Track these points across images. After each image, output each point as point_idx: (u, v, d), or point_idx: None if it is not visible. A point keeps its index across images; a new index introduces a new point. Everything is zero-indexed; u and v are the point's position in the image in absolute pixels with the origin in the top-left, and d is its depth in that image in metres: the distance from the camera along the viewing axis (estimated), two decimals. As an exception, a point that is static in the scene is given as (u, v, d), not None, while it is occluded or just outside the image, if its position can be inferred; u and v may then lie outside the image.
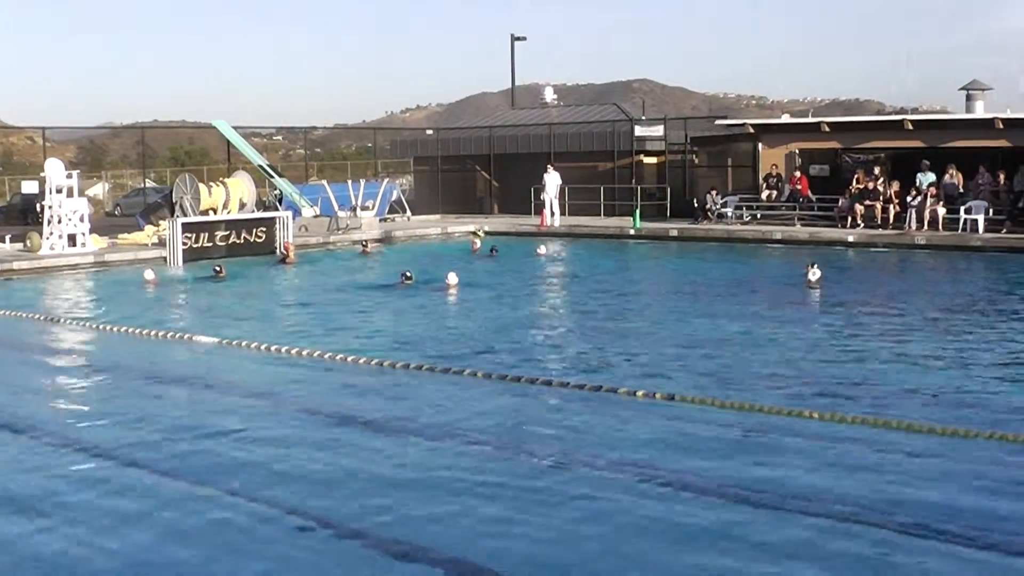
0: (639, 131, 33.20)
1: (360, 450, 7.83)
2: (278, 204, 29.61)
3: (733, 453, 7.55)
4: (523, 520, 6.22)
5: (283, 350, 11.71)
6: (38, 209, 25.51)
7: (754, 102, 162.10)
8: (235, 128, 31.51)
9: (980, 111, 27.50)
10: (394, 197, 32.74)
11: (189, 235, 22.72)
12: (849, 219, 25.80)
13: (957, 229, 23.96)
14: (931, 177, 25.32)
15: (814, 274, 17.12)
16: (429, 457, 7.61)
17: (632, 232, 27.63)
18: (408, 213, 33.26)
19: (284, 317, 15.20)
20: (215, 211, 25.95)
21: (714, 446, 7.75)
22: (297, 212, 28.11)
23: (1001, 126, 25.46)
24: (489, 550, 5.82)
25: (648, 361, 11.13)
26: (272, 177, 30.66)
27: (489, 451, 7.74)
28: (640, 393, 9.14)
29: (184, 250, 22.43)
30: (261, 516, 6.40)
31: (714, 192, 28.92)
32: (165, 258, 22.38)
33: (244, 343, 12.19)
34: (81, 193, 25.16)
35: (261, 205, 29.36)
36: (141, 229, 25.91)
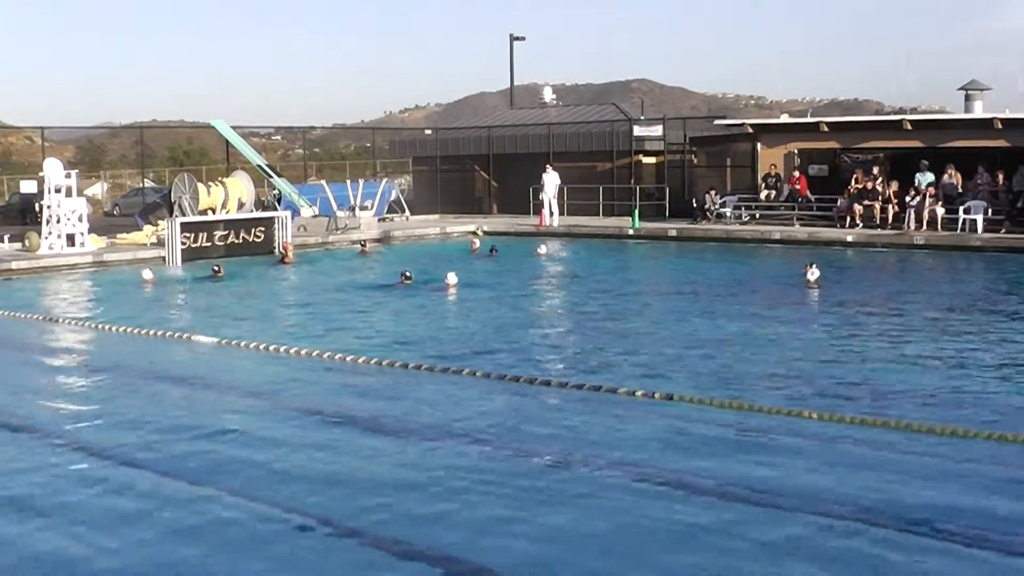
0: (638, 131, 33.20)
1: (359, 450, 7.83)
2: (277, 204, 29.60)
3: (732, 453, 7.55)
4: (522, 520, 6.22)
5: (282, 350, 11.71)
6: (37, 209, 25.50)
7: (753, 102, 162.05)
8: (234, 128, 31.52)
9: (979, 111, 27.51)
10: (393, 197, 32.74)
11: (188, 235, 22.72)
12: (848, 219, 25.81)
13: (956, 229, 23.97)
14: (930, 177, 25.33)
15: (813, 274, 17.13)
16: (428, 457, 7.61)
17: (631, 232, 27.63)
18: (407, 213, 33.26)
19: (283, 317, 15.20)
20: (214, 211, 25.92)
21: (713, 446, 7.75)
22: (296, 212, 28.11)
23: (1000, 126, 25.47)
24: (488, 550, 5.82)
25: (647, 361, 11.13)
26: (271, 177, 30.65)
27: (489, 451, 7.74)
28: (639, 393, 9.14)
29: (183, 250, 22.43)
30: (260, 515, 6.40)
31: (713, 192, 28.92)
32: (164, 258, 22.38)
33: (243, 343, 12.19)
34: (80, 193, 25.18)
35: (260, 205, 29.32)
36: (140, 229, 25.90)
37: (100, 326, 14.18)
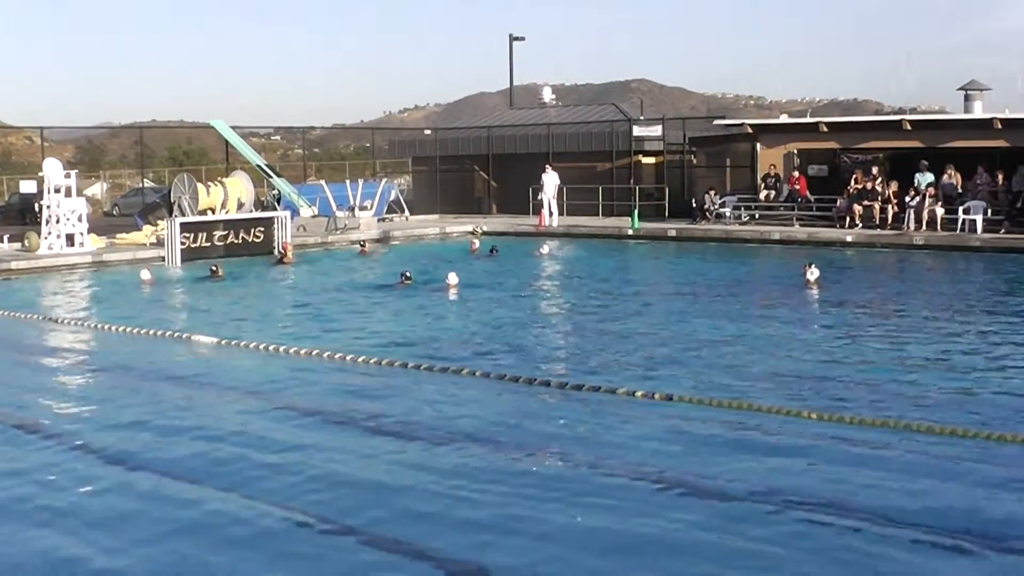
0: (637, 131, 33.21)
1: (359, 449, 7.82)
2: (276, 204, 29.61)
3: (732, 453, 7.55)
4: (522, 520, 6.22)
5: (282, 350, 11.71)
6: (36, 209, 25.51)
7: (752, 102, 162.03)
8: (233, 128, 31.52)
9: (979, 111, 27.52)
10: (392, 197, 32.74)
11: (187, 235, 22.72)
12: (847, 219, 25.81)
13: (955, 229, 23.97)
14: (929, 177, 25.33)
15: (812, 274, 17.13)
16: (428, 457, 7.61)
17: (630, 232, 27.63)
18: (406, 213, 33.26)
19: (282, 317, 15.19)
20: (213, 211, 25.94)
21: (713, 446, 7.75)
22: (295, 212, 28.11)
23: (1000, 126, 25.47)
24: (489, 550, 5.82)
25: (647, 361, 11.13)
26: (270, 177, 30.66)
27: (489, 450, 7.74)
28: (639, 393, 9.14)
29: (182, 250, 22.43)
30: (260, 515, 6.40)
31: (712, 192, 28.93)
32: (163, 258, 22.38)
33: (243, 343, 12.20)
34: (79, 193, 25.19)
35: (259, 205, 29.33)
36: (139, 229, 25.91)
37: (99, 326, 14.18)
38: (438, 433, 8.19)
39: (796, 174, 28.14)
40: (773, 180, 28.57)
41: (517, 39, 42.43)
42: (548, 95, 42.18)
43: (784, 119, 33.32)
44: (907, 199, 25.02)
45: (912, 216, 24.66)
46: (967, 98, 28.44)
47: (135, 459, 7.62)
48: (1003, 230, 23.46)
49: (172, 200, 26.03)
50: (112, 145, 65.01)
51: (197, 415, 8.96)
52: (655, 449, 7.66)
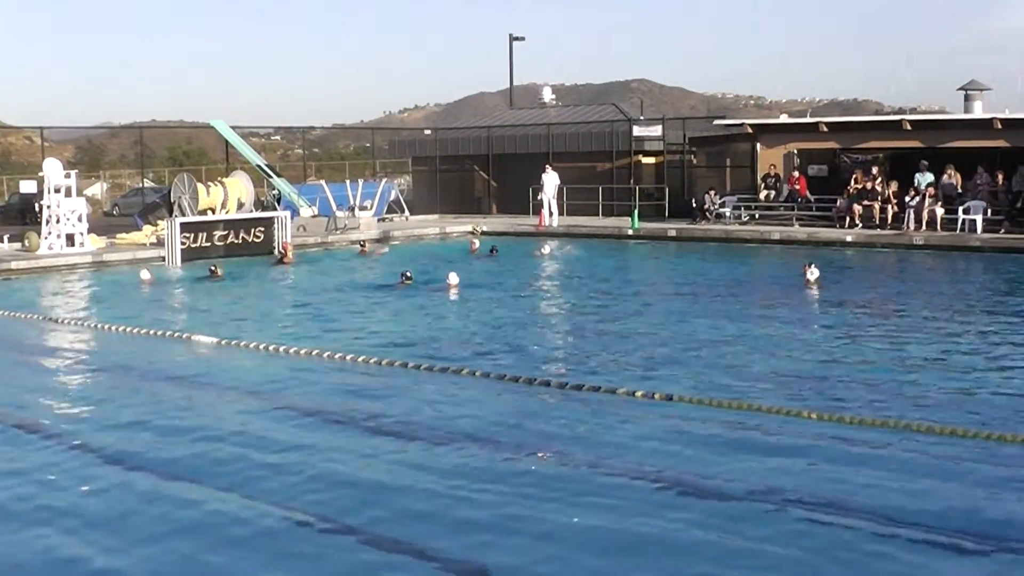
0: (637, 131, 33.21)
1: (359, 449, 7.83)
2: (276, 204, 29.60)
3: (732, 453, 7.55)
4: (522, 520, 6.22)
5: (282, 349, 11.71)
6: (36, 209, 25.51)
7: (752, 102, 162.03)
8: (233, 128, 31.52)
9: (978, 111, 27.52)
10: (392, 197, 32.74)
11: (187, 235, 22.72)
12: (847, 219, 25.81)
13: (955, 229, 23.97)
14: (929, 177, 25.33)
15: (812, 274, 17.14)
16: (428, 456, 7.61)
17: (630, 232, 27.64)
18: (406, 213, 33.26)
19: (282, 317, 15.19)
20: (213, 211, 25.94)
21: (713, 446, 7.75)
22: (295, 212, 28.11)
23: (999, 126, 25.48)
24: (488, 550, 5.82)
25: (647, 361, 11.13)
26: (270, 177, 30.66)
27: (489, 450, 7.74)
28: (639, 393, 9.14)
29: (182, 250, 22.43)
30: (260, 515, 6.40)
31: (712, 192, 28.93)
32: (163, 258, 22.38)
33: (243, 342, 12.20)
34: (79, 193, 25.19)
35: (259, 205, 29.33)
36: (139, 229, 25.91)
37: (99, 326, 14.18)
38: (438, 433, 8.19)
39: (796, 174, 28.14)
40: (773, 180, 28.57)
41: (517, 39, 42.44)
42: (548, 95, 42.19)
43: (784, 119, 33.32)
44: (907, 199, 25.03)
45: (912, 216, 24.67)
46: (967, 98, 28.44)
47: (135, 459, 7.62)
48: (1003, 230, 23.46)
49: (172, 200, 26.04)
50: (112, 145, 65.01)
51: (197, 415, 8.97)
52: (655, 449, 7.67)
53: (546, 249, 24.47)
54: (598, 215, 32.20)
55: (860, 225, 25.51)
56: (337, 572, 5.63)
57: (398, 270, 18.49)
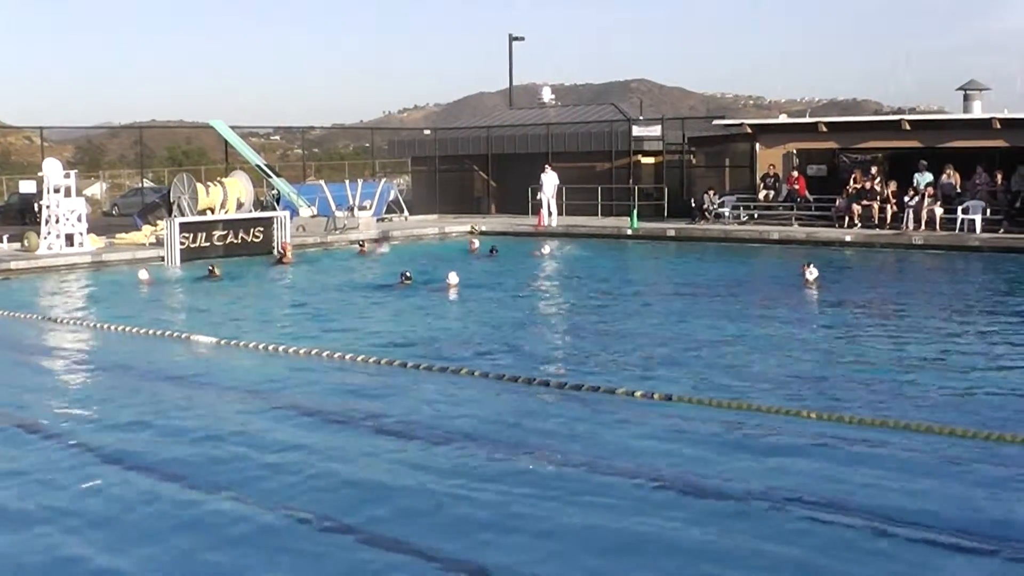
0: (637, 131, 33.21)
1: (359, 449, 7.83)
2: (275, 204, 29.59)
3: (731, 453, 7.55)
4: (521, 519, 6.23)
5: (281, 349, 11.71)
6: (36, 209, 25.49)
7: (751, 102, 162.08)
8: (232, 128, 31.50)
9: (978, 111, 27.53)
10: (391, 197, 32.74)
11: (187, 235, 22.72)
12: (846, 219, 25.82)
13: (954, 229, 23.98)
14: (928, 177, 25.34)
15: (811, 274, 17.15)
16: (428, 456, 7.61)
17: (630, 232, 27.64)
18: (405, 213, 33.27)
19: (281, 317, 15.19)
20: (212, 211, 25.93)
21: (712, 446, 7.76)
22: (295, 212, 28.10)
23: (998, 126, 25.48)
24: (487, 549, 5.82)
25: (646, 361, 11.13)
26: (270, 177, 30.65)
27: (488, 450, 7.74)
28: (639, 393, 9.14)
29: (182, 250, 22.43)
30: (259, 514, 6.40)
31: (711, 192, 28.93)
32: (163, 258, 22.38)
33: (242, 342, 12.20)
34: (79, 193, 25.18)
35: (259, 205, 29.34)
36: (139, 229, 25.90)
37: (99, 326, 14.18)
38: (437, 432, 8.19)
39: (795, 174, 28.14)
40: (772, 180, 28.58)
41: (517, 39, 42.44)
42: (547, 95, 42.17)
43: (783, 119, 33.33)
44: (906, 199, 25.03)
45: (911, 216, 24.67)
46: (966, 98, 28.45)
47: (135, 458, 7.62)
48: (1002, 230, 23.47)
49: (171, 200, 26.03)
50: (112, 145, 64.99)
51: (197, 415, 8.97)
52: (654, 449, 7.67)
53: (546, 249, 24.47)
54: (597, 215, 32.20)
55: (859, 225, 25.52)
56: (337, 571, 5.63)
57: (398, 270, 18.49)
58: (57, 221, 22.84)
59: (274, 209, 27.81)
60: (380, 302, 16.33)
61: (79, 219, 23.21)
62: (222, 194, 26.71)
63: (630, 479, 6.97)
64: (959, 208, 24.24)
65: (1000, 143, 25.58)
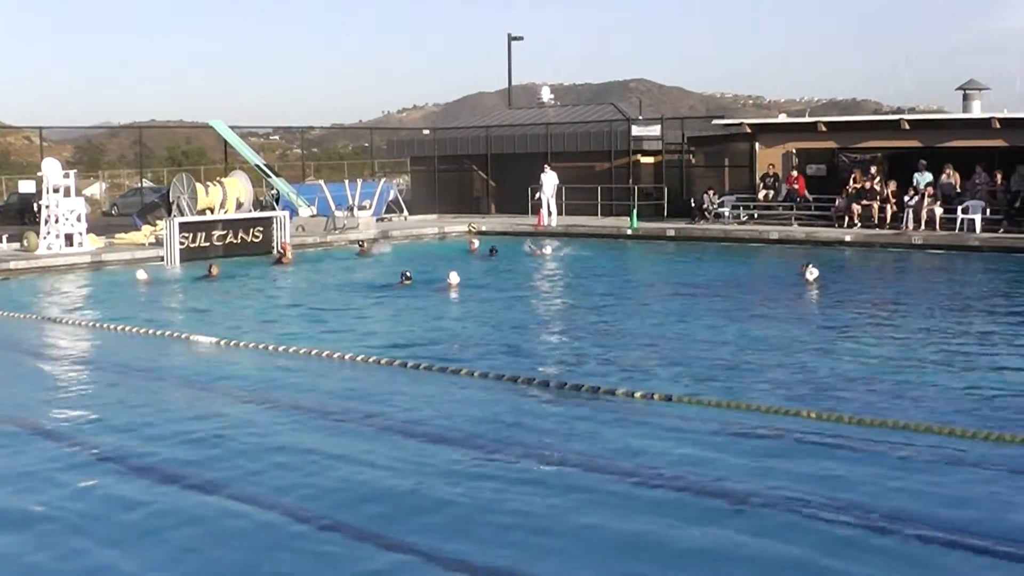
0: (636, 131, 33.20)
1: (359, 449, 7.82)
2: (275, 204, 29.58)
3: (731, 453, 7.55)
4: (522, 519, 6.22)
5: (280, 349, 11.71)
6: (35, 209, 25.50)
7: (751, 102, 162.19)
8: (232, 128, 31.48)
9: (977, 111, 27.53)
10: (391, 197, 32.74)
11: (186, 235, 22.72)
12: (846, 219, 25.82)
13: (954, 229, 23.99)
14: (928, 177, 25.34)
15: (811, 273, 17.15)
16: (428, 456, 7.61)
17: (629, 232, 27.64)
18: (405, 213, 33.26)
19: (281, 317, 15.19)
20: (212, 211, 25.93)
21: (712, 446, 7.76)
22: (294, 212, 28.09)
23: (998, 126, 25.48)
24: (486, 548, 5.82)
25: (646, 361, 11.14)
26: (269, 177, 30.64)
27: (488, 450, 7.74)
28: (638, 394, 9.14)
29: (181, 250, 22.43)
30: (259, 514, 6.40)
31: (711, 192, 28.93)
32: (162, 258, 22.37)
33: (242, 342, 12.19)
34: (78, 193, 25.17)
35: (258, 205, 29.33)
36: (138, 229, 25.89)
37: (98, 326, 14.18)
38: (437, 432, 8.19)
39: (795, 174, 28.14)
40: (772, 180, 28.58)
41: (516, 39, 42.43)
42: (547, 95, 42.15)
43: (783, 119, 33.34)
44: (906, 199, 25.04)
45: (911, 216, 24.68)
46: (966, 98, 28.44)
47: (134, 458, 7.62)
48: (1001, 230, 23.48)
49: (171, 200, 26.02)
50: (111, 145, 65.02)
51: (197, 415, 8.96)
52: (654, 449, 7.67)
53: (546, 249, 24.47)
54: (597, 215, 32.19)
55: (859, 225, 25.53)
56: (336, 571, 5.63)
57: (398, 270, 18.49)
58: (56, 221, 22.84)
59: (273, 209, 27.80)
60: (380, 302, 16.33)
61: (78, 219, 23.22)
62: (221, 194, 26.71)
63: (630, 479, 6.97)
64: (959, 208, 24.25)
65: (1000, 143, 25.58)
